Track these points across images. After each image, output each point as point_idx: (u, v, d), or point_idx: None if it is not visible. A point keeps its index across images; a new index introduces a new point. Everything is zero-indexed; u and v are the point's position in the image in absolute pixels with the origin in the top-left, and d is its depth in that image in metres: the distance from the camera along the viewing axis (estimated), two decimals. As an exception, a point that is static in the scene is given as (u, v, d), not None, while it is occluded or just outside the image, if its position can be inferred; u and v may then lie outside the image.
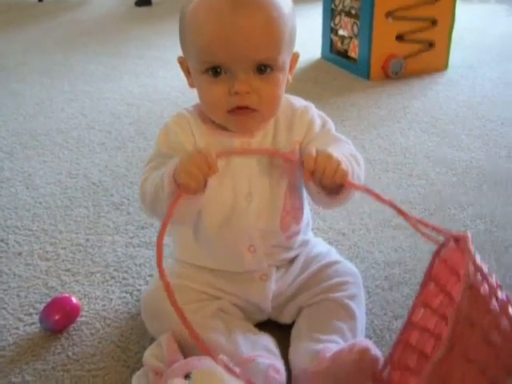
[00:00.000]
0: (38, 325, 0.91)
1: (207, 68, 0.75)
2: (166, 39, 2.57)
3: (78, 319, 0.93)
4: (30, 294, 1.00)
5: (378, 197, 0.70)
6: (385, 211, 1.21)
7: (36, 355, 0.87)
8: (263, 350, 0.77)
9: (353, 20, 2.07)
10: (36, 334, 0.91)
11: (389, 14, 1.98)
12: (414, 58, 2.07)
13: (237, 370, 0.64)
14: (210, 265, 0.87)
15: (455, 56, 2.18)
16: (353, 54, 2.13)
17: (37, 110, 1.85)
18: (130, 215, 1.23)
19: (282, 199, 0.84)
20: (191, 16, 0.76)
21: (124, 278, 1.03)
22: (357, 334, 0.81)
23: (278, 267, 0.89)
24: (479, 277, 0.62)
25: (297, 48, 0.82)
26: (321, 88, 1.99)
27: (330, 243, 1.08)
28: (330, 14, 2.20)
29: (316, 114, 0.86)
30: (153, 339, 0.85)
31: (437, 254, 0.72)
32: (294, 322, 0.86)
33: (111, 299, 0.98)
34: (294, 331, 0.84)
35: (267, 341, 0.80)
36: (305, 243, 0.92)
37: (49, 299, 0.95)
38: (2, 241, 1.15)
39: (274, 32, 0.74)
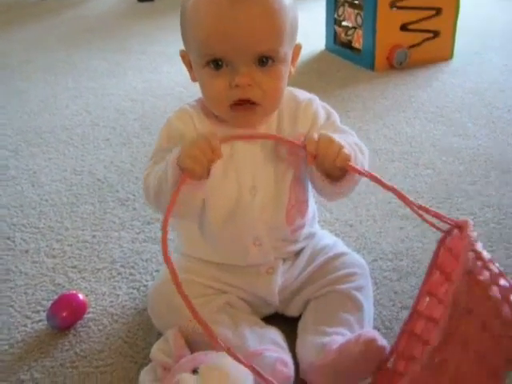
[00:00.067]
0: (46, 322, 0.91)
1: (208, 61, 0.75)
2: (168, 34, 2.57)
3: (86, 316, 0.93)
4: (37, 291, 1.00)
5: (379, 181, 0.69)
6: (391, 201, 1.20)
7: (44, 352, 0.87)
8: (270, 343, 0.77)
9: (356, 11, 2.06)
10: (44, 331, 0.91)
11: (393, 4, 1.96)
12: (418, 47, 2.05)
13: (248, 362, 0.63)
14: (216, 259, 0.87)
15: (460, 44, 2.16)
16: (357, 44, 2.11)
17: (41, 107, 1.85)
18: (136, 211, 1.23)
19: (286, 192, 0.84)
20: (191, 10, 0.75)
21: (131, 274, 1.03)
22: (364, 325, 0.81)
23: (284, 260, 0.88)
24: (479, 263, 0.62)
25: (300, 40, 0.81)
26: (325, 80, 1.98)
27: (337, 235, 1.07)
28: (334, 5, 2.19)
29: (320, 106, 0.86)
30: (160, 334, 0.85)
31: (442, 242, 0.72)
32: (301, 315, 0.86)
33: (118, 295, 0.98)
34: (300, 324, 0.84)
35: (274, 334, 0.80)
36: (311, 236, 0.91)
37: (56, 296, 0.95)
38: (9, 239, 1.16)
39: (274, 23, 0.73)
